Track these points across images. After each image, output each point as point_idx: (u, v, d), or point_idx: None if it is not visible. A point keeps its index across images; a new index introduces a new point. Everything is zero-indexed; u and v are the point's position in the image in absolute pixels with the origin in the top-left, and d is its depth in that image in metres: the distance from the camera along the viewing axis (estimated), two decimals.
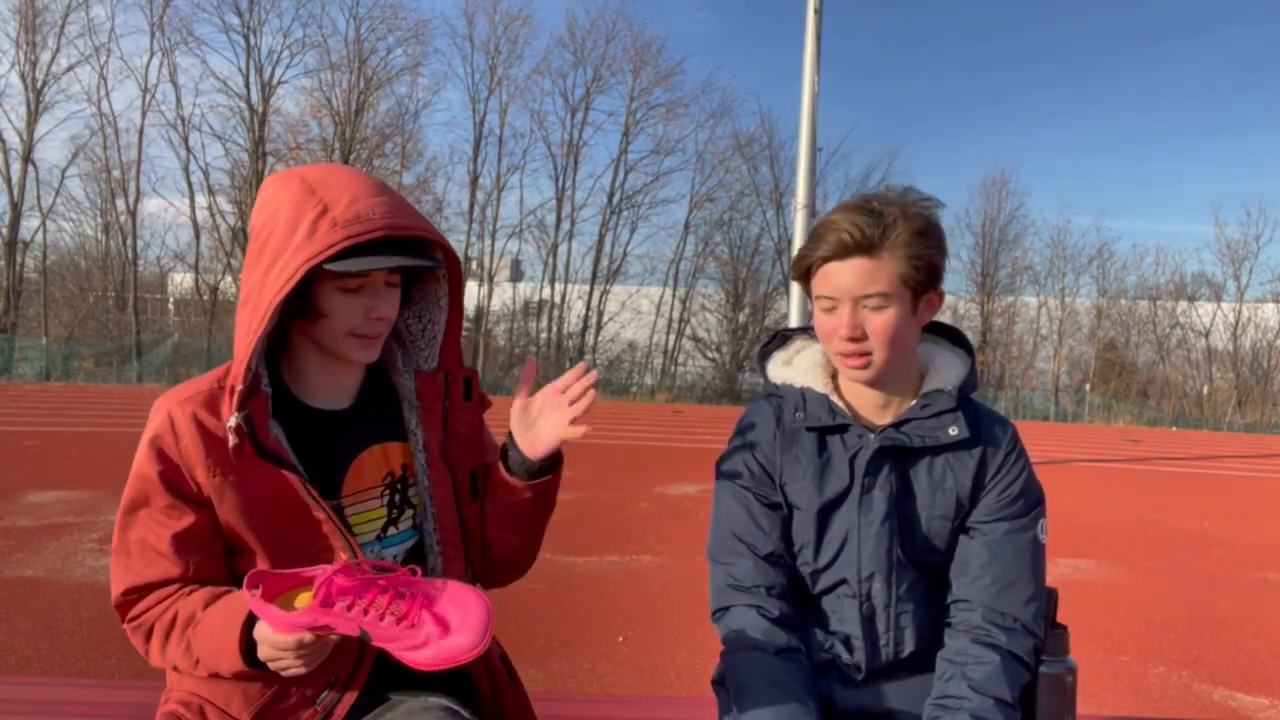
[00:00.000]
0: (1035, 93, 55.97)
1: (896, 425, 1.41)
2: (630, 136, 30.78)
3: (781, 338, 1.57)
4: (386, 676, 1.37)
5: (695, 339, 32.06)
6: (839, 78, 48.89)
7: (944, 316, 1.52)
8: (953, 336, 1.52)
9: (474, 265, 29.72)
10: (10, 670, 3.59)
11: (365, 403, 1.42)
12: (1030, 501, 1.44)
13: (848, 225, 1.31)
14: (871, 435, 1.41)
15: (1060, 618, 1.47)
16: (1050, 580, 1.45)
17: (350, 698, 1.33)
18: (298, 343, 1.36)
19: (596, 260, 30.80)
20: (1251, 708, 3.84)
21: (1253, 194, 57.05)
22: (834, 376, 1.48)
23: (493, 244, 29.94)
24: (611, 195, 30.76)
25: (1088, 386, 30.30)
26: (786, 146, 29.98)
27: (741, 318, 31.50)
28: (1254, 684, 4.13)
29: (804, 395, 1.45)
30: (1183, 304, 31.67)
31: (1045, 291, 32.78)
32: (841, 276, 1.33)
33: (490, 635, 1.12)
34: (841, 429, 1.43)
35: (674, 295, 31.54)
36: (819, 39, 11.34)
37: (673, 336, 31.60)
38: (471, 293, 29.32)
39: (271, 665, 1.19)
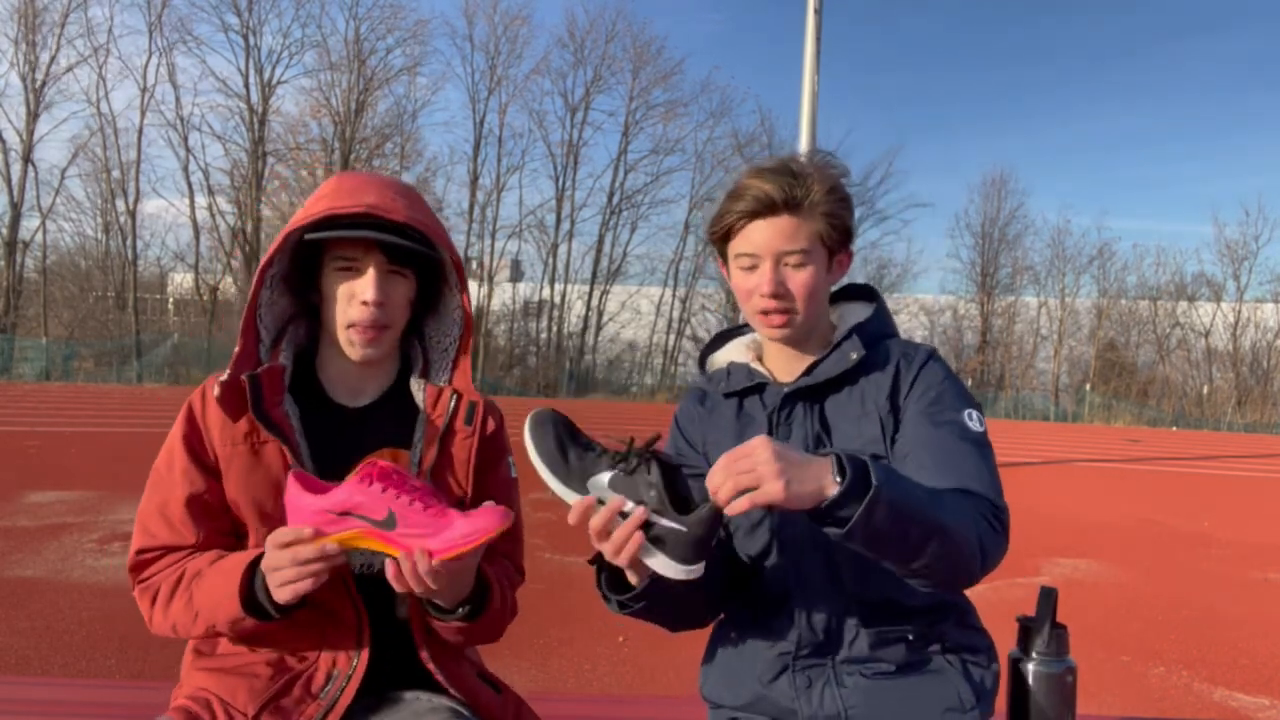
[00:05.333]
0: (1036, 92, 56.10)
1: (806, 373, 1.42)
2: (630, 136, 30.90)
3: (722, 339, 1.61)
4: (384, 674, 1.38)
5: (695, 339, 32.07)
6: (839, 78, 48.92)
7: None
8: (867, 295, 1.54)
9: (474, 265, 29.73)
10: (10, 670, 3.59)
11: (386, 406, 1.44)
12: (953, 398, 1.37)
13: (771, 184, 1.34)
14: (784, 388, 1.42)
15: (1060, 618, 1.47)
16: (1050, 580, 1.45)
17: (352, 689, 1.33)
18: (324, 337, 1.42)
19: (596, 260, 30.86)
20: (1251, 708, 3.84)
21: (1252, 194, 57.15)
22: (758, 355, 1.52)
23: (493, 244, 30.03)
24: (611, 195, 30.84)
25: (1088, 386, 30.32)
26: (786, 146, 30.01)
27: (741, 318, 31.50)
28: (1254, 684, 4.13)
29: (728, 370, 1.50)
30: (1183, 304, 31.70)
31: (1045, 291, 32.85)
32: (764, 234, 1.36)
33: (506, 524, 1.14)
34: (759, 389, 1.46)
35: (674, 295, 31.58)
36: (819, 39, 11.35)
37: (673, 336, 31.63)
38: (472, 293, 29.20)
39: (271, 575, 1.19)
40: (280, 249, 1.36)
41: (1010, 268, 33.04)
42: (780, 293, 1.36)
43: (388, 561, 1.17)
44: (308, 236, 1.31)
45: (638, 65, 30.74)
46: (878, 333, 1.44)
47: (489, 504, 1.19)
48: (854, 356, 1.38)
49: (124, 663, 3.69)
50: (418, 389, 1.46)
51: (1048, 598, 1.45)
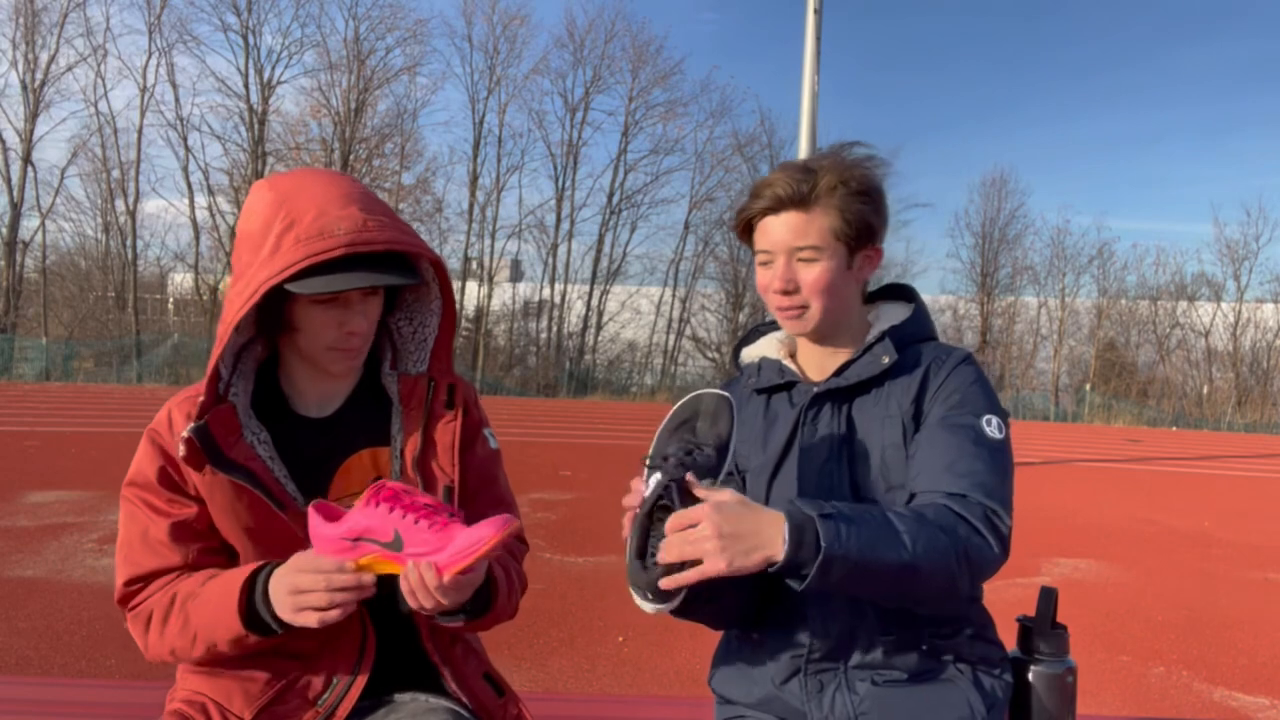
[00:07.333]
0: (1036, 93, 56.04)
1: (836, 374, 1.41)
2: (630, 136, 30.79)
3: (757, 333, 1.61)
4: (387, 678, 1.37)
5: (695, 339, 32.06)
6: (839, 77, 48.95)
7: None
8: (908, 296, 1.52)
9: (474, 265, 29.72)
10: (10, 670, 3.59)
11: (356, 407, 1.41)
12: (976, 403, 1.34)
13: (781, 181, 1.35)
14: (814, 387, 1.42)
15: (1060, 618, 1.47)
16: (1050, 580, 1.45)
17: (352, 699, 1.32)
18: (286, 352, 1.38)
19: (596, 260, 30.81)
20: (1251, 708, 3.84)
21: (1252, 194, 57.21)
22: (790, 352, 1.51)
23: (493, 244, 29.96)
24: (611, 195, 30.78)
25: (1088, 386, 30.30)
26: (786, 146, 29.99)
27: (741, 318, 31.48)
28: (1254, 684, 4.13)
29: (760, 365, 1.50)
30: (1183, 304, 31.66)
31: (1045, 291, 32.79)
32: (776, 230, 1.37)
33: (508, 531, 1.15)
34: (788, 387, 1.46)
35: (674, 295, 31.55)
36: (819, 39, 11.34)
37: (673, 336, 31.61)
38: (471, 293, 29.30)
39: (295, 600, 1.17)
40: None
41: (1010, 268, 32.98)
42: (790, 289, 1.36)
43: (400, 580, 1.16)
44: (290, 288, 1.21)
45: (637, 65, 30.67)
46: (913, 335, 1.43)
47: (493, 517, 1.18)
48: (885, 360, 1.38)
49: (124, 663, 3.69)
50: (390, 381, 1.43)
51: (1048, 598, 1.45)
